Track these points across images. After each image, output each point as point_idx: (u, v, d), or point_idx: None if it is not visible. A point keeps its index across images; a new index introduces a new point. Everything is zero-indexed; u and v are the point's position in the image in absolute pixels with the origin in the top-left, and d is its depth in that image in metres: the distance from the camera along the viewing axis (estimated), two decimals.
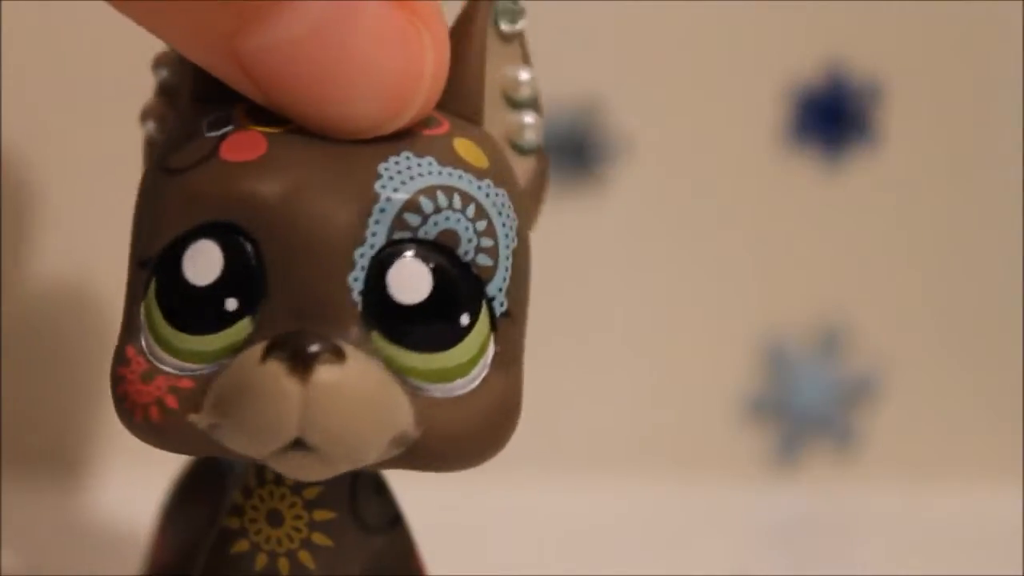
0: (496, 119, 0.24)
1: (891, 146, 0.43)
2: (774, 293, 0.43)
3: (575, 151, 0.42)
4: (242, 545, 0.23)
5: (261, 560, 0.23)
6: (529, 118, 0.24)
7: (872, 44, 0.42)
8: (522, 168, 0.24)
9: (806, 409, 0.44)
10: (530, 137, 0.24)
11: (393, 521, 0.24)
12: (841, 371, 0.44)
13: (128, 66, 0.27)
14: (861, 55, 0.42)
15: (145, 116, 0.25)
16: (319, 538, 0.23)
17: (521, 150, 0.24)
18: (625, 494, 0.41)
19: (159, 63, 0.25)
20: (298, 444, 0.20)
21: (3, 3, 0.38)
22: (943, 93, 0.43)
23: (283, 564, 0.23)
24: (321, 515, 0.23)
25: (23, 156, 0.40)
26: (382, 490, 0.24)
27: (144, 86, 0.26)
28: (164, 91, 0.25)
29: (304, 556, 0.23)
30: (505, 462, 0.38)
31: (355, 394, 0.20)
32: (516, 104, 0.24)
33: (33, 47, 0.40)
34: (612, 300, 0.43)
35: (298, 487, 0.23)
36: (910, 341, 0.44)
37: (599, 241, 0.42)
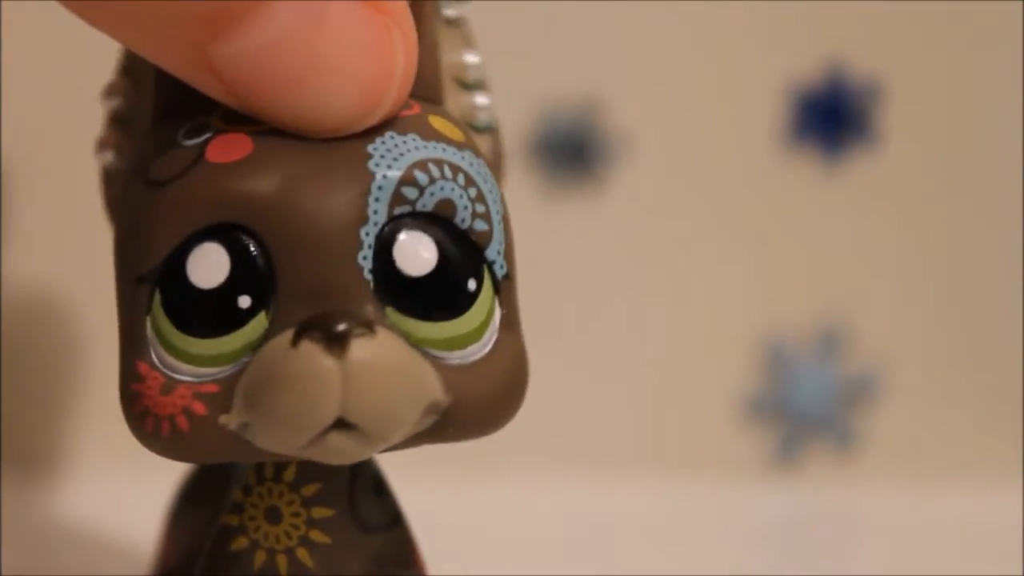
0: (450, 102, 0.24)
1: (891, 146, 0.43)
2: (774, 293, 0.43)
3: (575, 151, 0.42)
4: (241, 542, 0.23)
5: (260, 557, 0.23)
6: (481, 99, 0.24)
7: (872, 44, 0.43)
8: (482, 146, 0.24)
9: (806, 409, 0.44)
10: (484, 117, 0.24)
11: (393, 521, 0.24)
12: (841, 371, 0.44)
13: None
14: (861, 55, 0.42)
15: (101, 147, 0.25)
16: (317, 535, 0.23)
17: (477, 129, 0.24)
18: (625, 494, 0.41)
19: (110, 93, 0.25)
20: (337, 425, 0.21)
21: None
22: (943, 93, 0.43)
23: (281, 561, 0.23)
24: (319, 512, 0.23)
25: (19, 164, 0.40)
26: (382, 490, 0.24)
27: None
28: (117, 120, 0.25)
29: (302, 553, 0.23)
30: (505, 462, 0.38)
31: (390, 366, 0.21)
32: (467, 86, 0.24)
33: (22, 61, 0.40)
34: (612, 300, 0.43)
35: (297, 484, 0.23)
36: (910, 341, 0.44)
37: (599, 241, 0.42)
